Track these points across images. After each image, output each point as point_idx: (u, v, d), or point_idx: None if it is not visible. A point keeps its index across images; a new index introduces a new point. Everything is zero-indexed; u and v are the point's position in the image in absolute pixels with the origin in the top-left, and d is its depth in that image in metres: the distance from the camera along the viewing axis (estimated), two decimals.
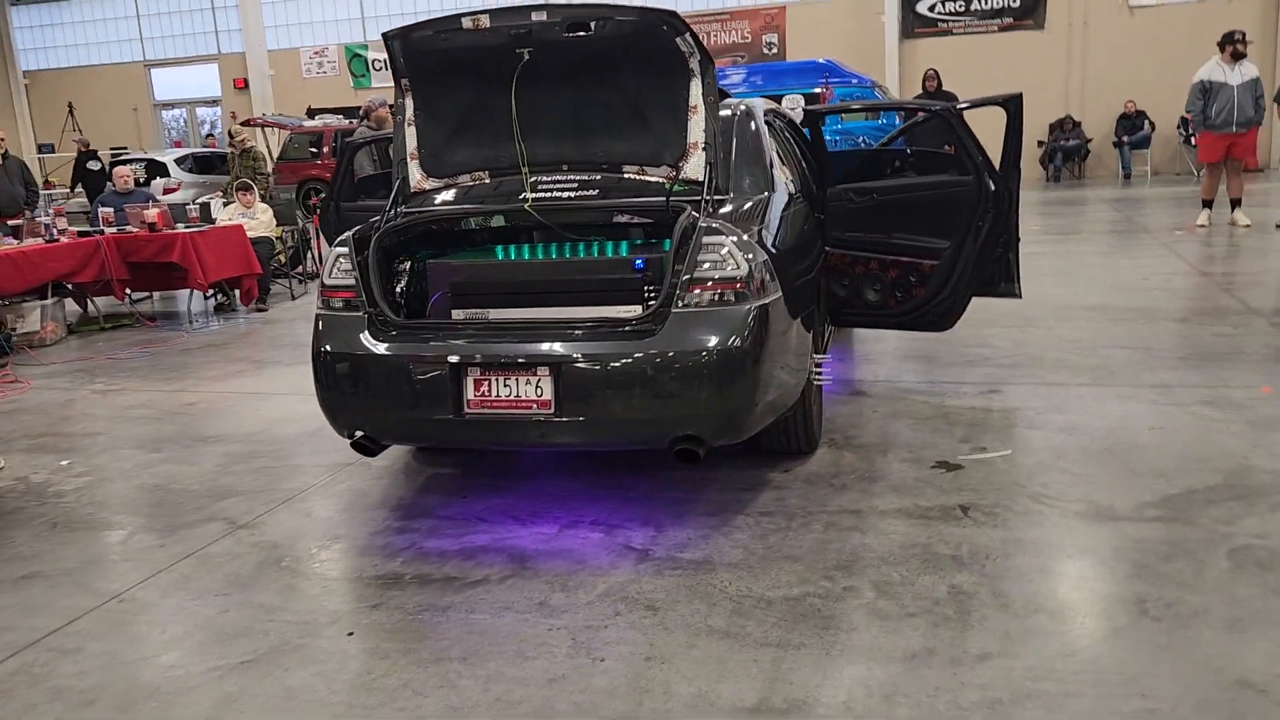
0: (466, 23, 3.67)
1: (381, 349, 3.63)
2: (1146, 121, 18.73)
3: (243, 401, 5.95)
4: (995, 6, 20.22)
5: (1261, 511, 3.56)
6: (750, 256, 3.55)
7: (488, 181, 4.09)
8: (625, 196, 3.95)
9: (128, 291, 8.96)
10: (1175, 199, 14.93)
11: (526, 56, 3.78)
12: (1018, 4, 20.09)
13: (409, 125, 4.05)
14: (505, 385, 3.52)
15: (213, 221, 9.55)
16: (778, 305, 3.68)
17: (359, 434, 3.74)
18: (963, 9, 20.39)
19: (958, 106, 5.94)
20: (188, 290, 9.15)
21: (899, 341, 6.47)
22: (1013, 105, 5.44)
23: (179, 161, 18.79)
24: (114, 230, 8.87)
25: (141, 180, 18.78)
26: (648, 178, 3.90)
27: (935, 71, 13.13)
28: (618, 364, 3.44)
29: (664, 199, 3.81)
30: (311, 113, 20.61)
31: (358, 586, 3.36)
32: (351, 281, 3.75)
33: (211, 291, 9.25)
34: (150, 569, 3.56)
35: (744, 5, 21.29)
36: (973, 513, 3.68)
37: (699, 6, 21.49)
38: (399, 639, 2.99)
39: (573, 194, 4.04)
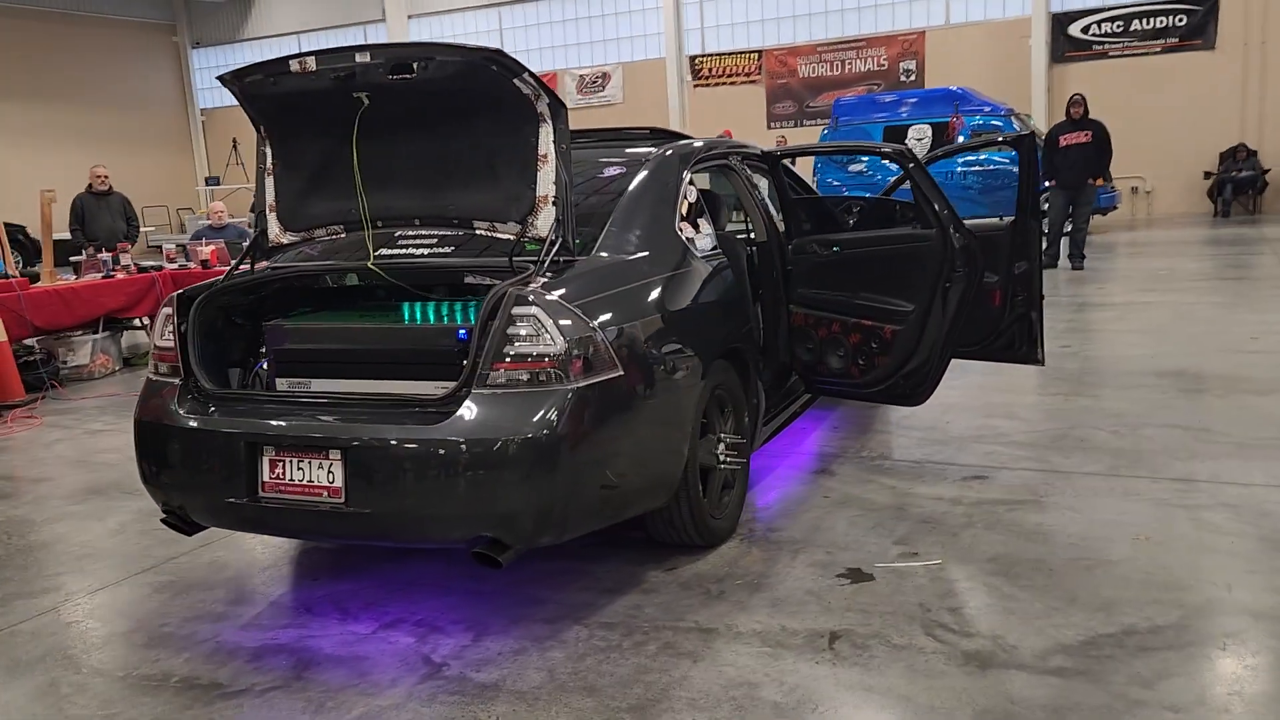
0: (294, 65, 3.36)
1: (185, 420, 3.34)
2: None
3: None
4: (1158, 25, 18.59)
5: (1200, 670, 2.77)
6: (573, 330, 3.06)
7: (343, 236, 3.75)
8: (475, 255, 3.54)
9: None
10: None
11: (366, 102, 3.42)
12: (1184, 22, 18.40)
13: (268, 175, 3.77)
14: (299, 468, 3.15)
15: None
16: (618, 385, 3.17)
17: (172, 510, 3.45)
18: (1121, 29, 18.85)
19: (931, 154, 5.26)
20: None
21: (901, 408, 5.73)
22: (1025, 145, 4.73)
23: None
24: (174, 266, 9.10)
25: None
26: (498, 235, 3.46)
27: (1082, 97, 11.97)
28: (406, 450, 3.02)
29: (509, 259, 3.37)
30: None
31: (115, 687, 3.06)
32: (173, 343, 3.49)
33: None
34: None
35: (880, 31, 20.41)
36: (840, 644, 3.04)
37: (834, 34, 20.77)
38: None
39: (426, 251, 3.66)
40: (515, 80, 3.23)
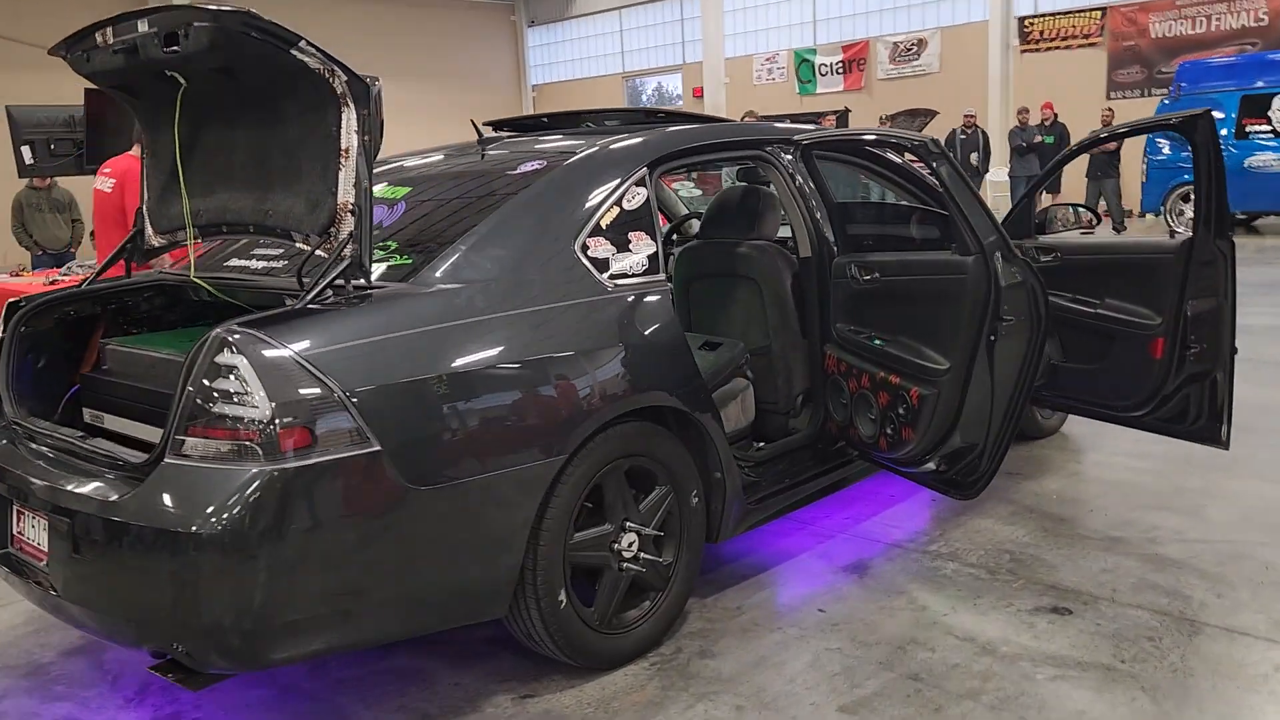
0: (98, 37, 2.81)
1: None
2: None
3: None
4: None
5: None
6: (290, 389, 2.27)
7: (201, 242, 3.18)
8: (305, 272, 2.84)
9: None
10: None
11: (184, 83, 2.82)
12: None
13: (146, 167, 3.29)
14: (32, 525, 2.64)
15: None
16: (369, 465, 2.34)
17: None
18: None
19: (1102, 135, 3.79)
20: None
21: (1052, 476, 4.28)
22: (1200, 130, 3.27)
23: None
24: None
25: None
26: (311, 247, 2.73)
27: None
28: (85, 524, 2.41)
29: (298, 280, 2.65)
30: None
31: None
32: None
33: None
34: None
35: None
36: None
37: None
38: None
39: (263, 266, 3.02)
40: (293, 51, 2.47)
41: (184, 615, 2.29)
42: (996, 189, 16.64)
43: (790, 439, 3.66)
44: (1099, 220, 4.40)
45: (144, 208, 3.30)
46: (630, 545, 2.89)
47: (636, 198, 3.07)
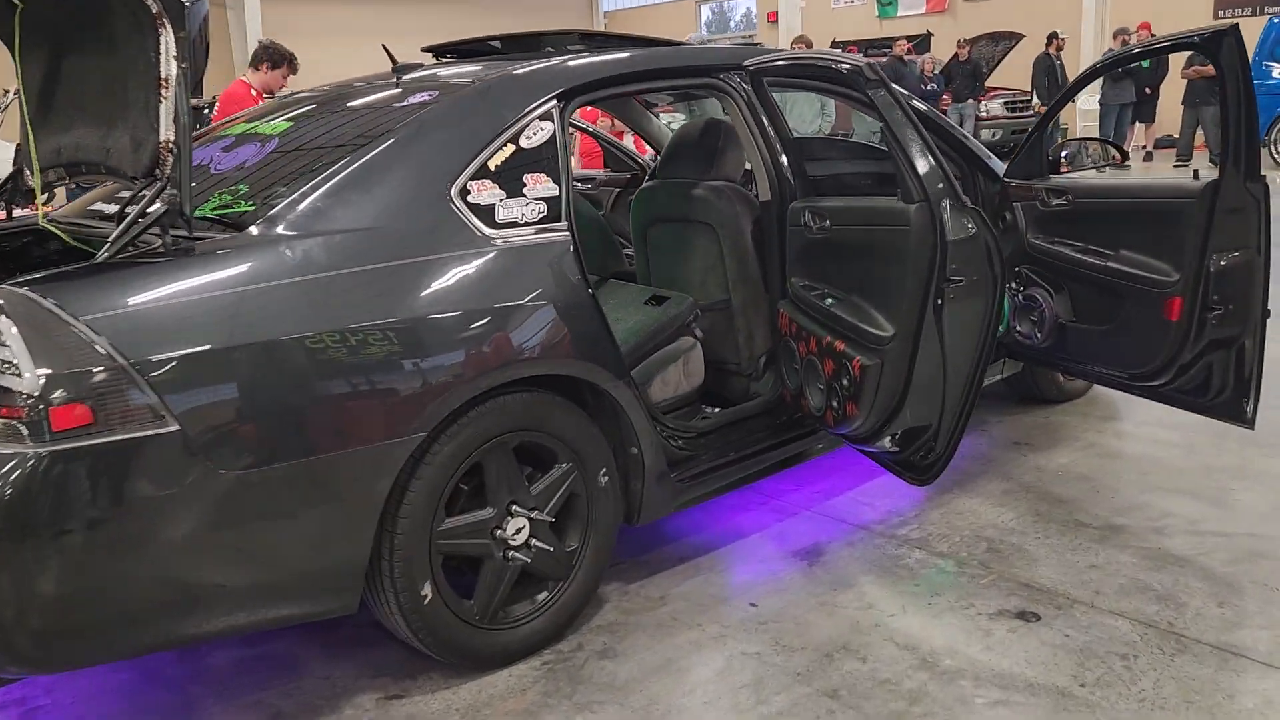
0: None
1: None
2: None
3: None
4: None
5: None
6: (64, 357, 1.96)
7: (69, 183, 2.89)
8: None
9: None
10: None
11: (19, 4, 2.51)
12: None
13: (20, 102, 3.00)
14: None
15: None
16: (162, 446, 2.03)
17: None
18: None
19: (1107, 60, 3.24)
20: None
21: (1063, 448, 3.79)
22: (1225, 50, 2.74)
23: None
24: None
25: None
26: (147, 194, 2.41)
27: None
28: None
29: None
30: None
31: None
32: None
33: None
34: None
35: None
36: None
37: None
38: None
39: (116, 210, 2.71)
40: None
41: None
42: (1086, 118, 15.54)
43: (742, 407, 3.26)
44: (1123, 156, 3.81)
45: (22, 144, 3.02)
46: (518, 532, 2.55)
47: (539, 134, 2.66)
